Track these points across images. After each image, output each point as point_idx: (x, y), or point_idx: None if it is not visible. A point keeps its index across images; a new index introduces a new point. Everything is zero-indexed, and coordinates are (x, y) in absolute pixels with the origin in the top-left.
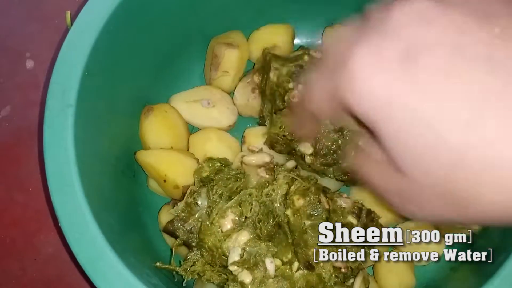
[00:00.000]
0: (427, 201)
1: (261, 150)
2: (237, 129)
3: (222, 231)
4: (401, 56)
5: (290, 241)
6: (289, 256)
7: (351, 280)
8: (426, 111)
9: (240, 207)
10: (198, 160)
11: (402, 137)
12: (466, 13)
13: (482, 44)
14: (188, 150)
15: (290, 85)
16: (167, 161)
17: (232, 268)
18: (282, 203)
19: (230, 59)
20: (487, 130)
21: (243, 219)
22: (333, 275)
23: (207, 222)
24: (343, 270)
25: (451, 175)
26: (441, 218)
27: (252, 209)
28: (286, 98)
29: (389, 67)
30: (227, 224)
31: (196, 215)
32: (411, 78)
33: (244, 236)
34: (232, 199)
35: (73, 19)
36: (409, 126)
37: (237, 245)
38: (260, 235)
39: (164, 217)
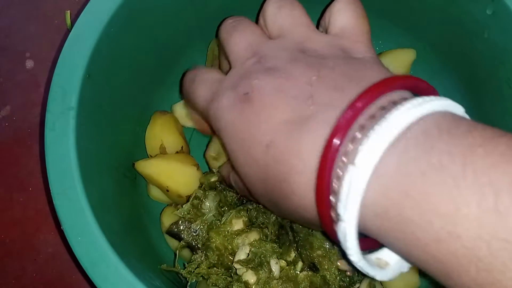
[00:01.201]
0: (257, 194)
1: None
2: None
3: (232, 230)
4: (244, 92)
5: (291, 238)
6: (292, 255)
7: (357, 285)
8: (244, 131)
9: (248, 213)
10: (198, 166)
11: (229, 132)
12: (300, 66)
13: (298, 87)
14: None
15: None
16: (167, 171)
17: (237, 266)
18: None
19: None
20: (280, 146)
21: (252, 222)
22: (338, 278)
23: (218, 222)
24: (348, 273)
25: (264, 177)
26: (273, 210)
27: (257, 214)
28: None
29: (234, 102)
30: (239, 224)
31: (204, 217)
32: (241, 108)
33: (253, 236)
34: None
35: (73, 20)
36: (233, 128)
37: (247, 242)
38: (268, 234)
39: (167, 219)
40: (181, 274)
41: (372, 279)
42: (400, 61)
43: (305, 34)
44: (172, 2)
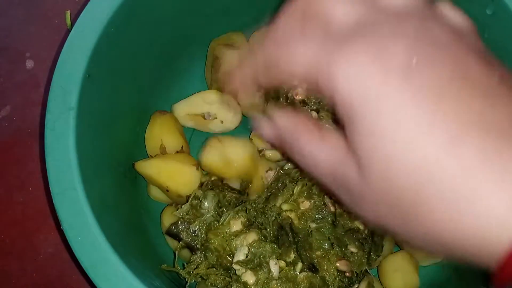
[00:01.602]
0: (375, 206)
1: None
2: (243, 128)
3: (230, 231)
4: (404, 62)
5: (291, 239)
6: (292, 256)
7: (356, 285)
8: (408, 122)
9: (247, 213)
10: (197, 166)
11: (374, 138)
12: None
13: (483, 78)
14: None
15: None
16: (166, 171)
17: (236, 267)
18: (282, 206)
19: (231, 60)
20: (462, 158)
21: (251, 223)
22: (338, 279)
23: (216, 223)
24: (347, 274)
25: (409, 189)
26: (384, 226)
27: (256, 215)
28: (289, 95)
29: (389, 67)
30: (237, 225)
31: (203, 218)
32: (408, 86)
33: (252, 237)
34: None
35: (73, 20)
36: (386, 131)
37: (245, 244)
38: (267, 235)
39: (167, 219)
40: (181, 274)
41: (371, 280)
42: None
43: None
44: (172, 3)
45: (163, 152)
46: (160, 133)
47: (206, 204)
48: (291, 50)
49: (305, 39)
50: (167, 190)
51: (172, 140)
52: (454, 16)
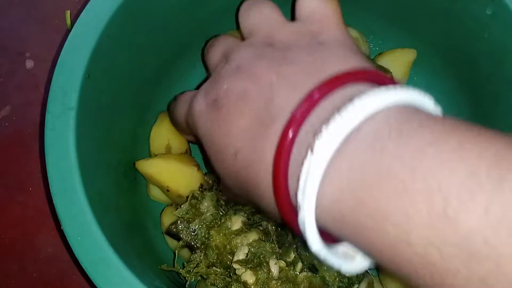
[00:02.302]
0: (236, 195)
1: None
2: None
3: (232, 230)
4: (213, 98)
5: (290, 239)
6: (292, 256)
7: (356, 286)
8: (216, 139)
9: (246, 212)
10: (198, 166)
11: (205, 139)
12: (266, 64)
13: (260, 90)
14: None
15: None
16: (168, 171)
17: (235, 266)
18: None
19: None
20: (246, 154)
21: (251, 222)
22: (337, 279)
23: (218, 221)
24: (347, 274)
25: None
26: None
27: (256, 214)
28: None
29: (206, 102)
30: (238, 224)
31: (203, 217)
32: (212, 116)
33: (252, 237)
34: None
35: (73, 20)
36: (208, 135)
37: (246, 243)
38: (269, 232)
39: (167, 219)
40: (181, 274)
41: (371, 280)
42: (400, 61)
43: (274, 27)
44: (172, 2)
45: (168, 151)
46: (168, 133)
47: (205, 203)
48: (177, 105)
49: (187, 98)
50: (168, 190)
51: (178, 141)
52: (309, 5)
